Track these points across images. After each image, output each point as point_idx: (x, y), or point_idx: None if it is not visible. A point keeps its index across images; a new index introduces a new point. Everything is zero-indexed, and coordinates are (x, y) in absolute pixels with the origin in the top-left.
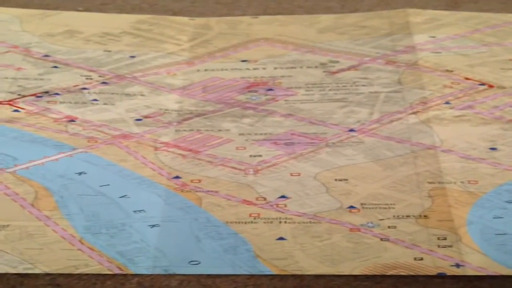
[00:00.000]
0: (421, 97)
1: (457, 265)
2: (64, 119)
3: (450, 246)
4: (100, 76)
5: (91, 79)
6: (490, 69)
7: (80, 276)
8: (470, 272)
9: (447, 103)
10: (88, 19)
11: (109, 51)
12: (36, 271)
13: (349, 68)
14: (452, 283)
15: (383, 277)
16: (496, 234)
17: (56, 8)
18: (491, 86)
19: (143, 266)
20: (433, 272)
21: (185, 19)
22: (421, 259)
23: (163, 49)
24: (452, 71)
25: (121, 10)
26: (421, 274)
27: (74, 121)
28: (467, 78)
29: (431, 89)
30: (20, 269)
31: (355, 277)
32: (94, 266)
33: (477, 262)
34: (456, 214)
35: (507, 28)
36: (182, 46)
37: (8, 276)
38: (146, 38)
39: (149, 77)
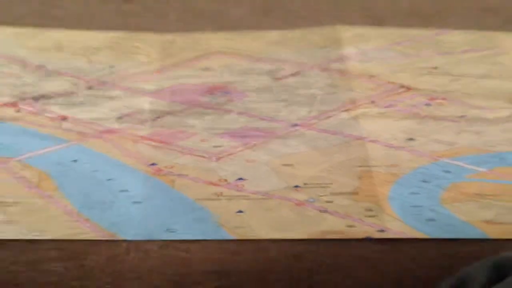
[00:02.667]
0: (350, 97)
1: (381, 230)
2: (58, 118)
3: (375, 216)
4: (86, 83)
5: (78, 85)
6: (409, 75)
7: (79, 241)
8: (391, 235)
9: (372, 102)
10: (73, 36)
11: (92, 62)
12: (43, 237)
13: (291, 75)
14: (379, 246)
15: (323, 240)
16: (412, 206)
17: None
18: (409, 89)
19: (130, 234)
20: (362, 236)
21: (153, 35)
22: (353, 226)
23: (136, 60)
24: (376, 76)
25: (99, 27)
26: (352, 238)
27: (66, 119)
28: (389, 82)
29: (359, 91)
30: (30, 236)
31: (300, 240)
32: (90, 233)
33: (397, 228)
34: (380, 191)
35: (423, 41)
36: (152, 58)
37: (19, 242)
38: (121, 51)
39: (126, 83)
